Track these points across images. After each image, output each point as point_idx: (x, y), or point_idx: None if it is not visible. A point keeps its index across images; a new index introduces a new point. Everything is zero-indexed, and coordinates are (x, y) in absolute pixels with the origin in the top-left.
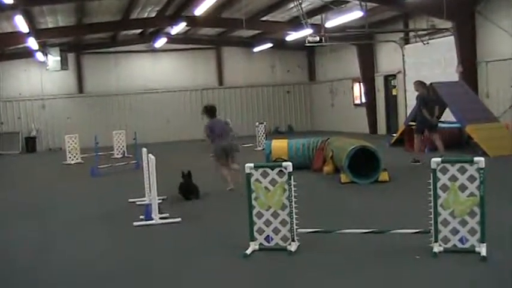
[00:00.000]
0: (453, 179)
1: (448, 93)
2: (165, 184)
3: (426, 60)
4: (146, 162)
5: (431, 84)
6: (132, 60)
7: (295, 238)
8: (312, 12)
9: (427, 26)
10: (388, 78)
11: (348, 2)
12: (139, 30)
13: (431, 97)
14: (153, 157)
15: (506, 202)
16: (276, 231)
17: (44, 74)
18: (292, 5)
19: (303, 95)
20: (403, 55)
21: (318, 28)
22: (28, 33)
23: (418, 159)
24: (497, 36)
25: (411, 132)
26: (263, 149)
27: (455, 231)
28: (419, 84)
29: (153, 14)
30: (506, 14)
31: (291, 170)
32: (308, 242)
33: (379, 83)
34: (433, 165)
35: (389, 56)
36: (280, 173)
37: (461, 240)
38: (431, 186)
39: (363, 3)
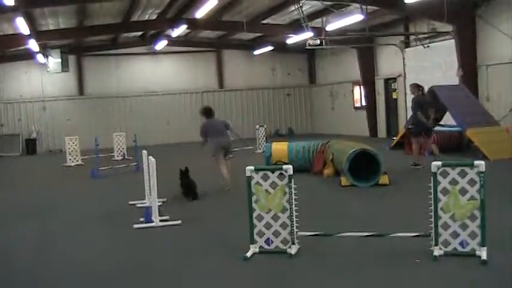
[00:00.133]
0: (453, 182)
1: (448, 97)
2: (165, 186)
3: (427, 63)
4: (146, 165)
5: (431, 87)
6: (133, 63)
7: (296, 241)
8: (313, 15)
9: (428, 30)
10: (389, 82)
11: (349, 5)
12: (140, 33)
13: (426, 100)
14: (153, 159)
15: (507, 206)
16: (276, 234)
17: (44, 76)
18: (293, 8)
19: (304, 97)
20: (404, 58)
21: (318, 31)
22: (29, 35)
23: (418, 163)
24: (498, 40)
25: (411, 135)
26: (263, 151)
27: (455, 235)
28: (415, 87)
29: (154, 17)
30: (507, 17)
31: (292, 173)
32: (308, 245)
33: (380, 86)
34: (433, 169)
35: (389, 59)
36: (281, 176)
37: (461, 243)
38: (432, 190)
39: (363, 7)
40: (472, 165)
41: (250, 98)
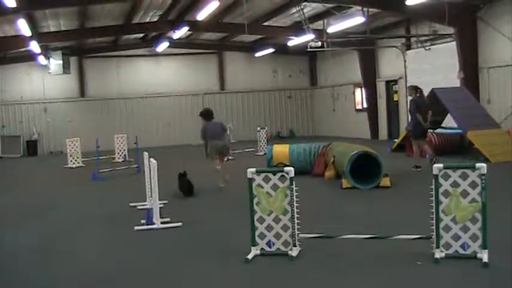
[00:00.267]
0: (455, 185)
1: (449, 99)
2: (166, 188)
3: (428, 65)
4: (147, 166)
5: (432, 90)
6: (134, 65)
7: (297, 243)
8: (314, 18)
9: (429, 32)
10: (390, 84)
11: (350, 7)
12: (141, 35)
13: (424, 102)
14: (154, 161)
15: (508, 208)
16: (278, 236)
17: (46, 78)
18: (294, 10)
19: (305, 100)
20: (405, 61)
21: (319, 33)
22: (30, 36)
23: (419, 165)
24: (499, 42)
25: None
26: (264, 153)
27: (457, 237)
28: (413, 89)
29: (155, 19)
30: (508, 20)
31: (293, 175)
32: (309, 247)
33: (381, 89)
34: (435, 171)
35: (391, 62)
36: (282, 178)
37: (463, 246)
38: (433, 192)
39: (364, 9)
40: (473, 168)
41: (252, 100)
